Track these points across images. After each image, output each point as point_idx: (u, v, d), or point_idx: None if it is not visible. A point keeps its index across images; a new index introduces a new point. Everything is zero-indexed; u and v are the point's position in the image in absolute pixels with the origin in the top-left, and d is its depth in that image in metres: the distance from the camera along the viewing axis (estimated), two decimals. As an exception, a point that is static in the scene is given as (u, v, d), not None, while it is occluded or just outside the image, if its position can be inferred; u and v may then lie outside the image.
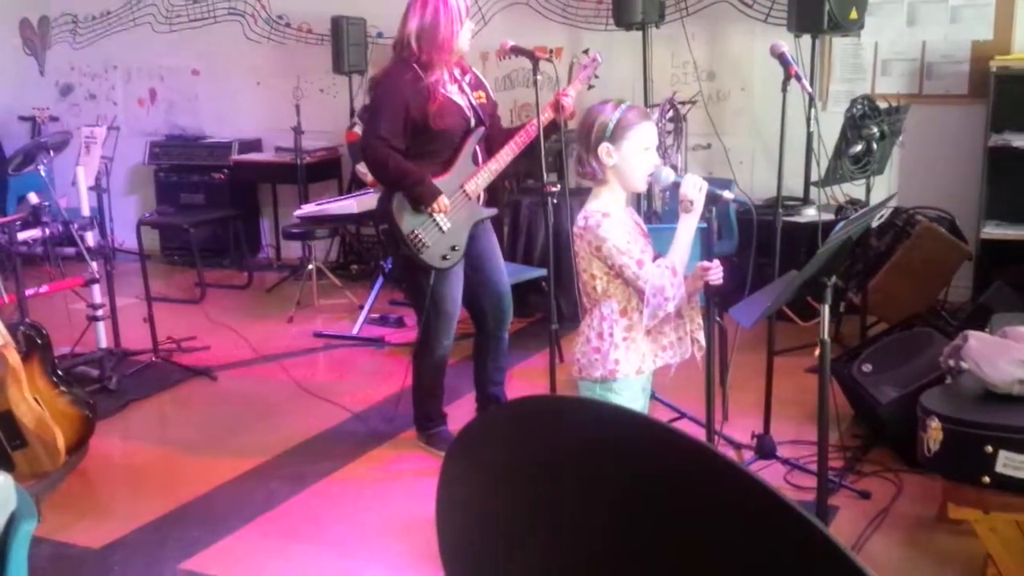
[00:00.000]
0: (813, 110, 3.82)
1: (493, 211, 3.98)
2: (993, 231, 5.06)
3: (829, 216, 4.77)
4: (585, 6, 6.36)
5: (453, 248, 3.71)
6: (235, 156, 7.31)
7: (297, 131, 6.65)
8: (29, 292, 4.51)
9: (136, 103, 7.97)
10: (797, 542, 0.80)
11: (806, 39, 5.36)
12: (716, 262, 2.73)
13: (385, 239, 4.78)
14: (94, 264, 4.73)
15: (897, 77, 5.70)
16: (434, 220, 3.66)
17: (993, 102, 5.12)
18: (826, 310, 2.75)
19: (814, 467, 3.20)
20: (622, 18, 5.63)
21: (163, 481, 3.78)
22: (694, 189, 2.70)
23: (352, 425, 4.27)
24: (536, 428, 1.04)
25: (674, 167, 4.96)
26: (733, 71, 6.06)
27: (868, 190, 4.63)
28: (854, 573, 0.76)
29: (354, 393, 4.61)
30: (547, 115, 3.71)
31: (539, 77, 3.74)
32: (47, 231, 4.50)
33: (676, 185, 2.75)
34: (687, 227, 2.72)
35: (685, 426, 3.76)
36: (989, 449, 2.62)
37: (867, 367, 3.79)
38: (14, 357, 3.43)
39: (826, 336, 2.76)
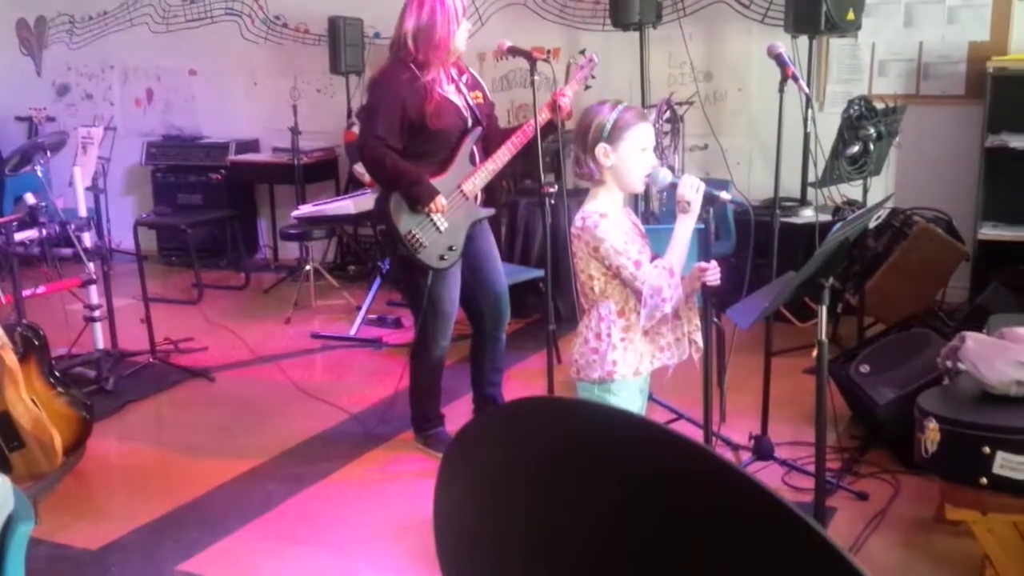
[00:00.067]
0: (810, 111, 3.81)
1: (491, 211, 3.97)
2: (990, 232, 5.06)
3: (826, 217, 4.78)
4: (582, 6, 6.36)
5: (450, 248, 3.71)
6: (232, 157, 7.30)
7: (294, 131, 6.65)
8: (26, 293, 4.51)
9: (133, 103, 7.96)
10: (795, 543, 0.80)
11: (803, 40, 5.36)
12: (713, 263, 2.74)
13: (382, 239, 4.78)
14: (91, 265, 4.71)
15: (894, 78, 5.70)
16: (431, 220, 3.66)
17: (990, 103, 5.12)
18: (823, 311, 2.75)
19: (812, 468, 3.21)
20: (619, 18, 5.64)
21: (161, 482, 3.77)
22: (691, 190, 2.70)
23: (350, 426, 4.27)
24: (534, 429, 1.04)
25: (671, 168, 4.97)
26: (730, 72, 6.06)
27: (865, 191, 4.63)
28: (852, 575, 0.76)
29: (351, 394, 4.60)
30: (544, 115, 3.71)
31: (536, 77, 3.74)
32: (44, 232, 4.50)
33: (673, 186, 2.74)
34: (684, 228, 2.72)
35: (683, 427, 3.76)
36: (986, 450, 2.61)
37: (865, 368, 3.78)
38: (11, 358, 3.43)
39: (823, 337, 2.77)
